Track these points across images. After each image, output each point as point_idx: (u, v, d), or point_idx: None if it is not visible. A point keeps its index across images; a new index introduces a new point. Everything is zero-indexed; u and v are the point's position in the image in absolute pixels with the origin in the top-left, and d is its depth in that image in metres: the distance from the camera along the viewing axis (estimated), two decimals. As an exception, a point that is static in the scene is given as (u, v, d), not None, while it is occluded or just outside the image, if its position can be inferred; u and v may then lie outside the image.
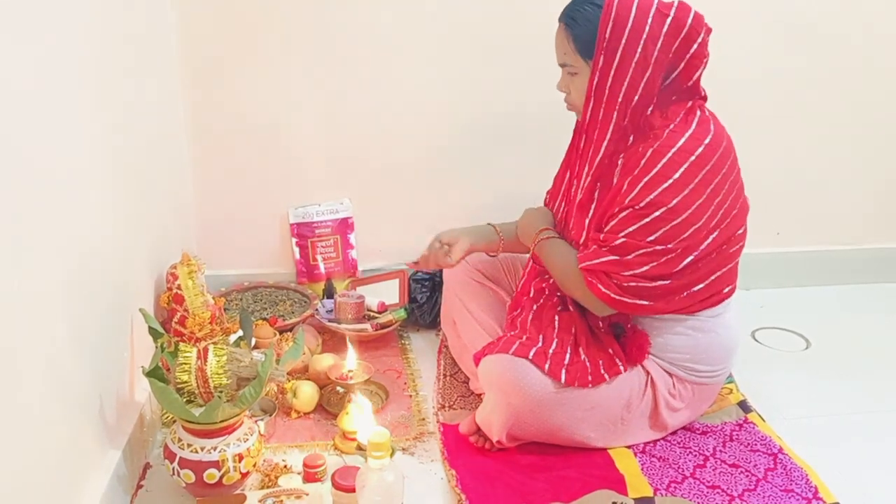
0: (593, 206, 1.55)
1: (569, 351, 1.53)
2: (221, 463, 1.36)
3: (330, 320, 2.03)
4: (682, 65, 1.46)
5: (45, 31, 1.13)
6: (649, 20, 1.42)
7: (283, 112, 2.11)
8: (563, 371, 1.50)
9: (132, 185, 1.55)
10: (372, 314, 2.08)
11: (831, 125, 2.36)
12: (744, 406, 1.76)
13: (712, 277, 1.52)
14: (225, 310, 1.75)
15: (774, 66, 2.26)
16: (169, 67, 1.95)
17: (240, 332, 1.57)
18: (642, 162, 1.45)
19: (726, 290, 1.57)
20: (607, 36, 1.43)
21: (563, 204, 1.69)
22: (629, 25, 1.42)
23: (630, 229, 1.45)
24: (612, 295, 1.48)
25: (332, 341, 2.01)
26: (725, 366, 1.64)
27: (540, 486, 1.48)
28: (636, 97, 1.45)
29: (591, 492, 1.45)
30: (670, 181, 1.42)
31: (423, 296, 2.10)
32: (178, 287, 1.58)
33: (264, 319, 1.96)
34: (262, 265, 2.25)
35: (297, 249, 2.23)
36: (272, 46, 2.05)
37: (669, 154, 1.43)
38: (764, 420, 1.72)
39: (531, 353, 1.51)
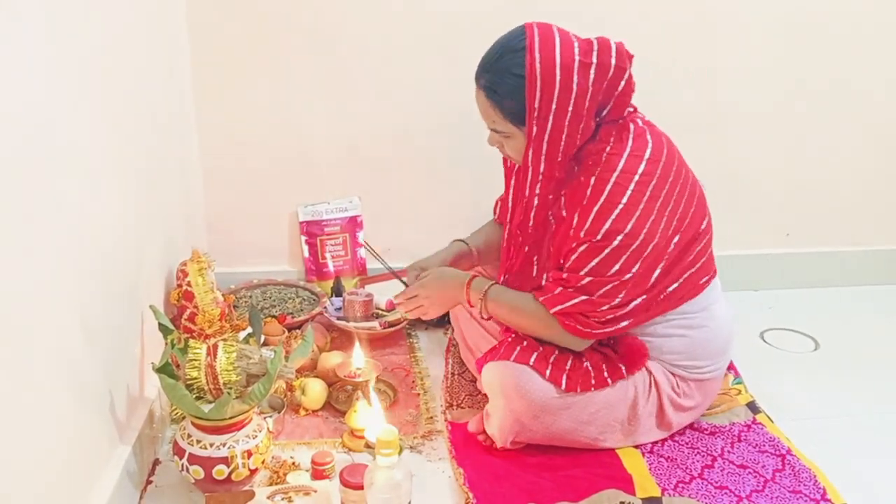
0: (537, 253, 1.55)
1: (571, 357, 1.53)
2: (230, 459, 1.36)
3: (338, 318, 2.04)
4: (613, 101, 1.44)
5: (56, 34, 1.13)
6: (575, 76, 1.38)
7: (292, 110, 2.12)
8: (564, 377, 1.49)
9: (143, 183, 1.56)
10: (380, 312, 2.08)
11: (841, 126, 2.35)
12: (752, 407, 1.76)
13: (686, 274, 1.52)
14: (234, 307, 1.76)
15: (784, 66, 2.25)
16: (180, 67, 1.96)
17: (249, 330, 1.57)
18: (588, 192, 1.42)
19: (703, 280, 1.56)
20: (537, 106, 1.39)
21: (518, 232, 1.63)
22: (557, 89, 1.38)
23: (592, 264, 1.42)
24: (594, 331, 1.48)
25: (341, 339, 2.02)
26: (723, 358, 1.64)
27: (547, 485, 1.48)
28: (575, 149, 1.44)
29: (599, 491, 1.44)
30: (620, 206, 1.40)
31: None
32: (188, 284, 1.59)
33: (273, 317, 1.97)
34: (272, 263, 2.26)
35: (306, 247, 2.23)
36: (282, 45, 2.06)
37: (613, 179, 1.40)
38: (772, 421, 1.71)
39: (532, 359, 1.50)
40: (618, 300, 1.44)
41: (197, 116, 2.08)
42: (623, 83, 1.42)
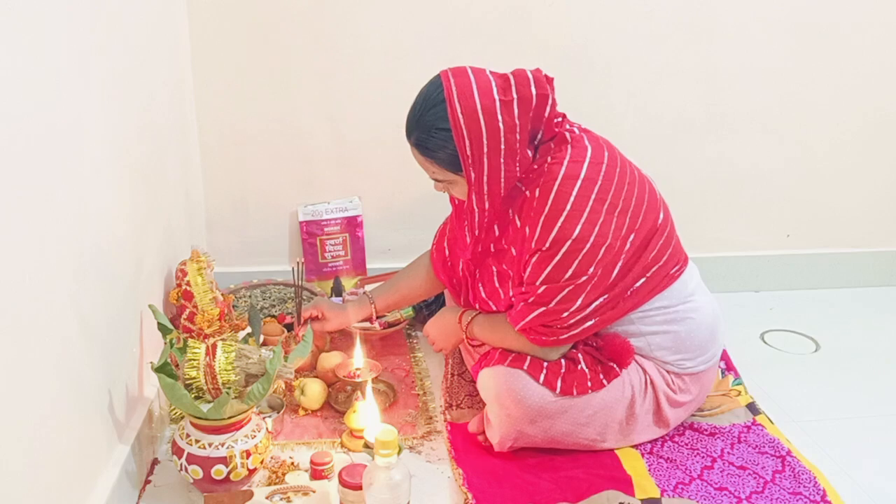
0: (501, 272, 1.56)
1: (563, 361, 1.53)
2: (229, 459, 1.36)
3: (338, 318, 2.03)
4: (543, 127, 1.45)
5: (57, 31, 1.13)
6: (499, 116, 1.39)
7: (293, 110, 2.12)
8: (559, 381, 1.49)
9: (143, 183, 1.56)
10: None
11: (842, 127, 2.35)
12: (752, 408, 1.76)
13: (652, 269, 1.52)
14: (234, 307, 1.76)
15: (785, 67, 2.25)
16: (180, 66, 1.96)
17: (248, 329, 1.57)
18: (534, 203, 1.43)
19: (674, 270, 1.56)
20: (469, 153, 1.40)
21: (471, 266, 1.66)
22: (484, 133, 1.39)
23: (545, 273, 1.43)
24: (560, 338, 1.48)
25: (341, 339, 2.02)
26: (712, 348, 1.63)
27: (547, 486, 1.48)
28: (516, 179, 1.45)
29: (598, 492, 1.44)
30: (566, 213, 1.40)
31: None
32: (188, 283, 1.59)
33: (273, 317, 1.97)
34: (271, 262, 2.26)
35: (305, 247, 2.23)
36: (282, 44, 2.06)
37: (556, 186, 1.41)
38: (772, 422, 1.71)
39: (526, 364, 1.51)
40: (577, 304, 1.44)
41: (197, 116, 2.08)
42: (549, 108, 1.43)
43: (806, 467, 1.55)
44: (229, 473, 1.37)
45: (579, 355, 1.54)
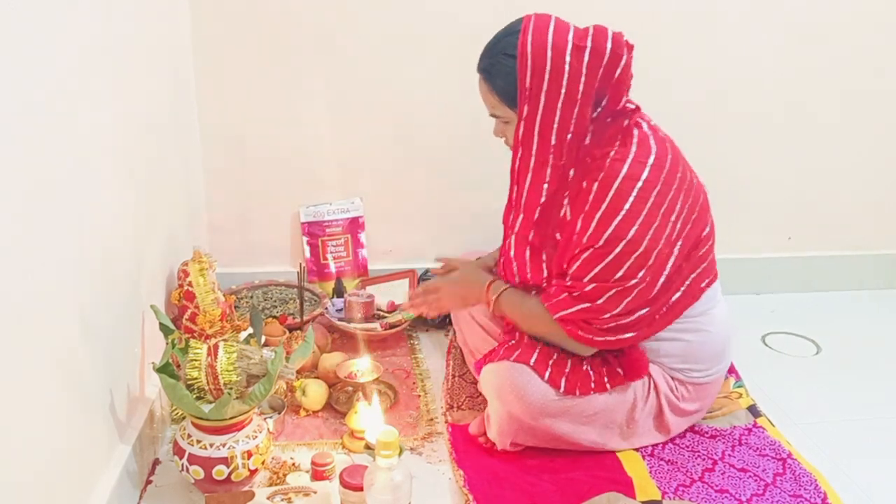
0: (545, 251, 1.53)
1: (570, 360, 1.53)
2: (230, 460, 1.37)
3: (340, 319, 2.04)
4: (610, 91, 1.43)
5: (59, 32, 1.14)
6: (567, 58, 1.38)
7: (295, 111, 2.12)
8: (564, 380, 1.49)
9: (145, 183, 1.56)
10: (381, 313, 2.08)
11: (843, 130, 2.35)
12: (753, 410, 1.76)
13: (687, 282, 1.51)
14: (235, 307, 1.76)
15: (787, 70, 2.25)
16: (182, 67, 1.96)
17: (250, 330, 1.57)
18: (590, 198, 1.41)
19: (703, 284, 1.55)
20: (528, 85, 1.40)
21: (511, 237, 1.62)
22: (548, 69, 1.38)
23: (595, 271, 1.42)
24: (596, 338, 1.47)
25: (342, 340, 2.02)
26: (721, 362, 1.63)
27: (547, 487, 1.48)
28: (569, 135, 1.43)
29: (599, 494, 1.44)
30: (623, 212, 1.39)
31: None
32: (189, 284, 1.59)
33: (274, 318, 1.97)
34: (273, 263, 2.26)
35: (307, 248, 2.23)
36: (284, 46, 2.06)
37: (616, 184, 1.39)
38: (773, 425, 1.71)
39: (532, 360, 1.50)
40: (620, 308, 1.43)
41: (199, 116, 2.08)
42: (619, 70, 1.41)
43: (807, 470, 1.55)
44: (230, 474, 1.37)
45: (583, 359, 1.53)
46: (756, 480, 1.53)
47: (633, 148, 1.42)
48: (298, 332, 1.91)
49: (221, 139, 2.12)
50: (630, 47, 1.42)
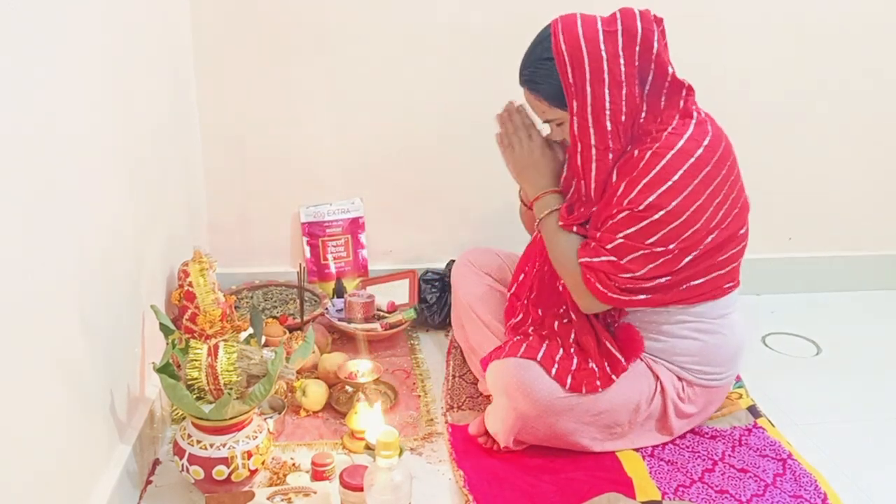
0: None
1: (575, 359, 1.53)
2: (230, 460, 1.37)
3: (340, 319, 2.04)
4: (653, 66, 1.44)
5: (57, 32, 1.14)
6: (602, 45, 1.40)
7: (295, 111, 2.12)
8: (569, 377, 1.49)
9: (145, 183, 1.56)
10: (381, 314, 2.08)
11: (844, 130, 2.35)
12: (753, 411, 1.76)
13: (713, 274, 1.52)
14: (236, 307, 1.76)
15: (788, 70, 2.25)
16: (183, 67, 1.96)
17: (250, 330, 1.58)
18: (641, 164, 1.43)
19: (727, 285, 1.56)
20: (571, 80, 1.42)
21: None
22: (586, 60, 1.40)
23: (628, 231, 1.43)
24: (609, 293, 1.46)
25: (342, 340, 2.02)
26: (733, 368, 1.64)
27: (548, 488, 1.48)
28: (623, 117, 1.43)
29: (599, 495, 1.44)
30: (669, 183, 1.40)
31: (433, 296, 2.11)
32: (190, 284, 1.59)
33: (274, 318, 1.97)
34: (273, 264, 2.26)
35: (307, 248, 2.23)
36: (284, 47, 2.06)
37: (668, 156, 1.41)
38: (773, 425, 1.71)
39: (539, 355, 1.51)
40: (643, 271, 1.44)
41: (200, 117, 2.08)
42: (656, 44, 1.43)
43: (807, 470, 1.55)
44: (230, 474, 1.37)
45: (588, 356, 1.53)
46: (756, 481, 1.53)
47: (692, 128, 1.44)
48: (299, 332, 1.91)
49: (222, 139, 2.12)
50: (660, 20, 1.44)
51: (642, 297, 1.48)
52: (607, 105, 1.42)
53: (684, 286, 1.50)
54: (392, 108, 2.15)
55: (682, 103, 1.47)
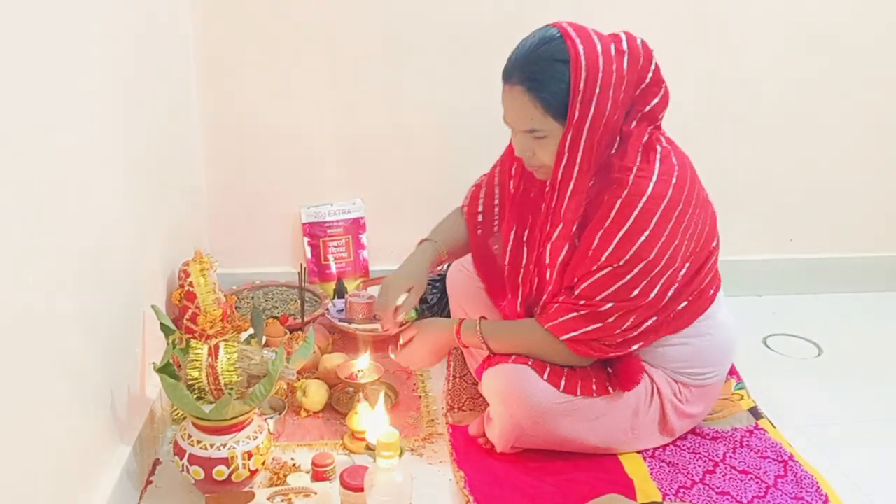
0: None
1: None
2: (231, 460, 1.36)
3: (340, 320, 2.03)
4: (638, 96, 1.41)
5: (60, 29, 1.14)
6: (614, 62, 1.35)
7: (296, 111, 2.12)
8: (563, 379, 1.48)
9: (146, 183, 1.56)
10: (382, 314, 2.07)
11: (845, 132, 2.34)
12: (754, 412, 1.75)
13: (696, 293, 1.51)
14: (236, 308, 1.76)
15: (789, 72, 2.25)
16: (184, 66, 1.96)
17: (251, 331, 1.57)
18: (612, 214, 1.37)
19: (711, 292, 1.55)
20: (582, 89, 1.33)
21: (525, 262, 1.58)
22: (601, 73, 1.34)
23: (611, 289, 1.39)
24: (605, 354, 1.47)
25: (343, 341, 2.02)
26: (727, 363, 1.64)
27: (548, 489, 1.48)
28: (607, 139, 1.39)
29: (600, 496, 1.44)
30: (647, 233, 1.36)
31: (434, 297, 2.10)
32: (191, 284, 1.59)
33: (275, 318, 1.97)
34: (274, 264, 2.26)
35: (308, 249, 2.23)
36: (286, 46, 2.06)
37: (641, 204, 1.36)
38: (774, 427, 1.71)
39: (531, 359, 1.50)
40: (629, 323, 1.43)
41: (200, 117, 2.08)
42: (650, 74, 1.40)
43: (808, 472, 1.55)
44: (231, 474, 1.37)
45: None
46: (757, 482, 1.52)
47: (658, 165, 1.39)
48: (299, 332, 1.91)
49: (222, 139, 2.12)
50: (651, 52, 1.41)
51: (636, 346, 1.48)
52: (603, 124, 1.37)
53: (672, 315, 1.49)
54: (393, 108, 2.15)
55: (645, 135, 1.42)
